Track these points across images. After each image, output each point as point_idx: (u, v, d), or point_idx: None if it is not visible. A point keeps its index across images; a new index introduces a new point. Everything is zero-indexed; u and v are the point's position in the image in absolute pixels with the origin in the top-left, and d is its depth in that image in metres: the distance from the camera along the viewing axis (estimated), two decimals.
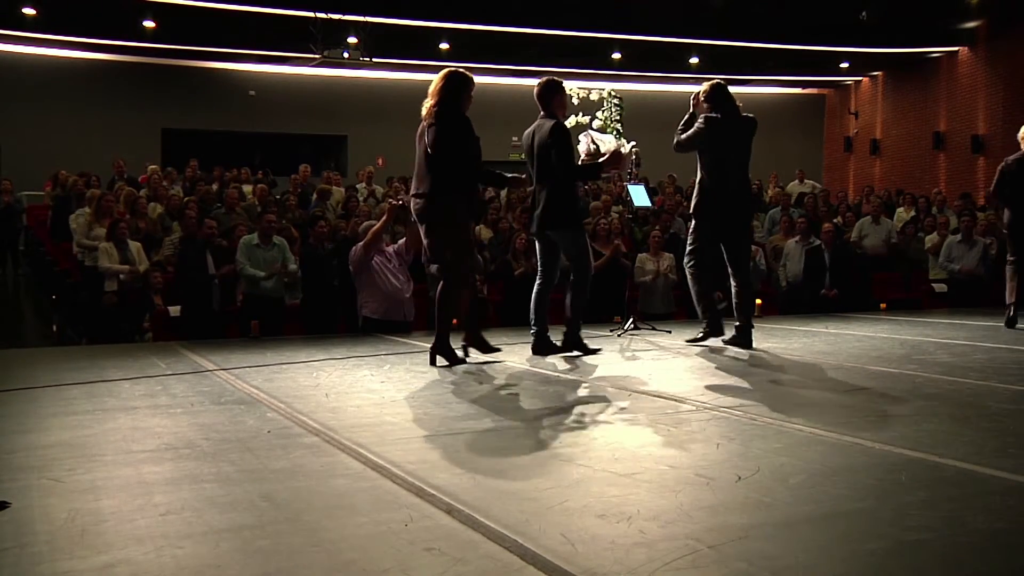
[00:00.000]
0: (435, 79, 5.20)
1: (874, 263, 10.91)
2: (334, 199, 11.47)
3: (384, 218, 7.22)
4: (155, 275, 8.19)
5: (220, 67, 17.57)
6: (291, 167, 13.95)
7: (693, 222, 6.03)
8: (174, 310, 7.95)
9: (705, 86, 6.00)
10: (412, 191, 5.28)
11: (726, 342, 5.94)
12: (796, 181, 15.32)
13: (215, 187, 11.85)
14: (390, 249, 7.40)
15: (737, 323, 5.89)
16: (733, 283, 5.94)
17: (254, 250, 7.99)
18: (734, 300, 5.93)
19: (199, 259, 7.96)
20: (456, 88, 5.15)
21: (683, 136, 5.96)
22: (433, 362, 5.15)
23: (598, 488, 2.56)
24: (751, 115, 6.01)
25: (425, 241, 5.27)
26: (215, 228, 8.35)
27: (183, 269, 8.08)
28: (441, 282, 5.21)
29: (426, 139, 5.09)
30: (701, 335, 6.06)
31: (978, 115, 17.50)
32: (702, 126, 5.83)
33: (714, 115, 5.84)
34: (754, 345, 5.85)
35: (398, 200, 7.42)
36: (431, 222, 5.14)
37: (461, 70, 5.27)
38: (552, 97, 5.65)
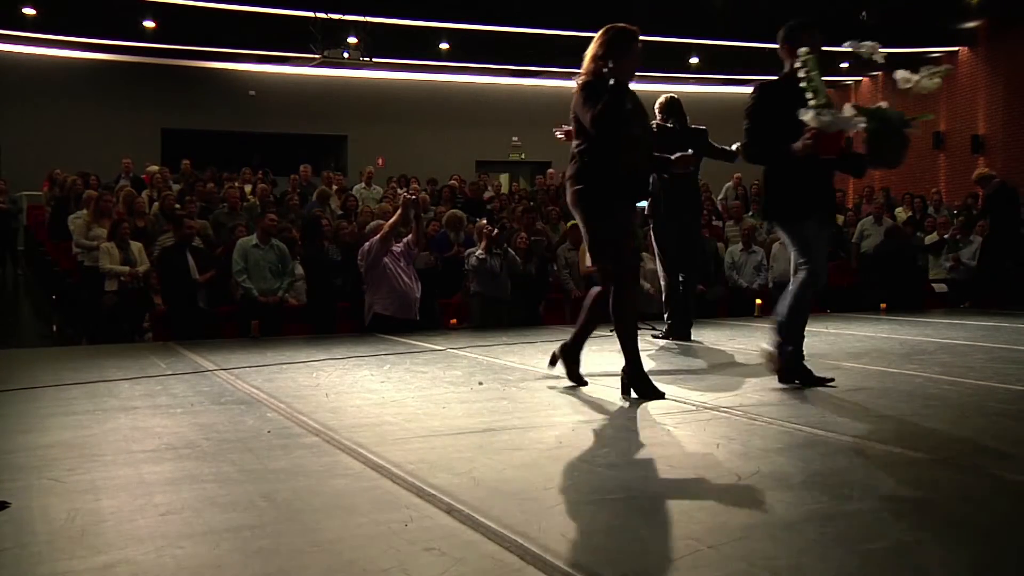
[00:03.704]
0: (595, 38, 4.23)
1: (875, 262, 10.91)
2: (334, 200, 11.47)
3: (399, 212, 7.29)
4: (155, 275, 8.18)
5: (220, 67, 17.54)
6: (291, 167, 13.94)
7: (651, 227, 6.58)
8: None
9: (662, 98, 6.56)
10: (565, 175, 4.38)
11: (660, 336, 6.56)
12: None
13: (210, 187, 11.81)
14: (396, 248, 7.45)
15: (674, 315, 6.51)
16: (680, 277, 6.51)
17: (252, 251, 7.97)
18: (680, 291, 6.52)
19: (179, 260, 7.93)
20: (614, 46, 4.15)
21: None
22: (626, 392, 4.13)
23: (598, 488, 2.56)
24: (703, 127, 6.54)
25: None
26: (194, 228, 8.31)
27: (165, 270, 8.06)
28: (606, 293, 4.20)
29: (572, 109, 4.18)
30: (661, 333, 6.61)
31: (978, 115, 17.49)
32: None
33: (666, 125, 6.40)
34: (692, 338, 6.41)
35: (411, 195, 7.52)
36: (580, 217, 4.21)
37: (622, 25, 4.28)
38: None
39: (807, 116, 3.97)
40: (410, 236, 7.58)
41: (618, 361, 5.47)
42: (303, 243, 8.61)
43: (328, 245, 8.47)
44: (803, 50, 4.07)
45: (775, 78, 4.36)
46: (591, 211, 4.12)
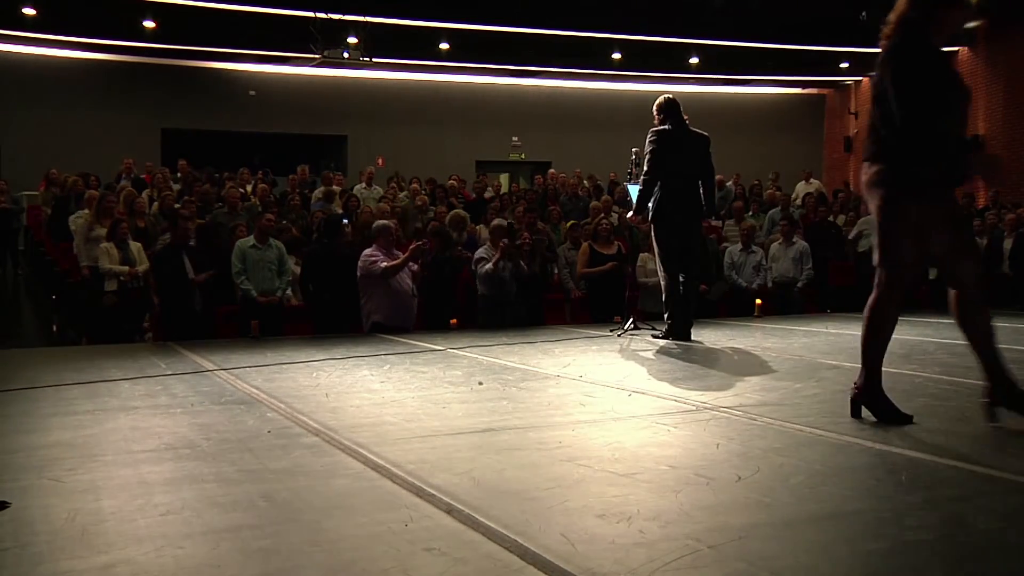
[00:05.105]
0: None
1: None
2: (335, 201, 11.47)
3: (407, 256, 7.37)
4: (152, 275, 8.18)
5: (220, 67, 17.56)
6: (291, 167, 13.97)
7: (653, 227, 6.53)
8: None
9: (660, 99, 6.55)
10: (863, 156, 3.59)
11: (660, 336, 6.51)
12: (803, 181, 15.40)
13: (207, 187, 11.81)
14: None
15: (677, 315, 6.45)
16: (681, 278, 6.45)
17: (250, 252, 7.96)
18: (680, 292, 6.48)
19: (176, 261, 7.91)
20: (933, 4, 3.34)
21: (646, 165, 6.40)
22: (856, 414, 3.52)
23: (598, 488, 2.56)
24: (704, 132, 6.53)
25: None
26: (190, 230, 8.29)
27: (160, 271, 8.05)
28: (879, 300, 3.48)
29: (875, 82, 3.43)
30: (661, 333, 6.57)
31: (978, 115, 17.48)
32: (654, 139, 6.37)
33: (664, 127, 6.40)
34: (692, 338, 6.36)
35: (423, 243, 7.65)
36: (876, 202, 3.40)
37: None
38: None
39: None
40: (415, 266, 7.73)
41: (617, 360, 5.49)
42: (316, 240, 8.57)
43: (345, 245, 8.43)
44: None
45: None
46: (887, 198, 3.36)
